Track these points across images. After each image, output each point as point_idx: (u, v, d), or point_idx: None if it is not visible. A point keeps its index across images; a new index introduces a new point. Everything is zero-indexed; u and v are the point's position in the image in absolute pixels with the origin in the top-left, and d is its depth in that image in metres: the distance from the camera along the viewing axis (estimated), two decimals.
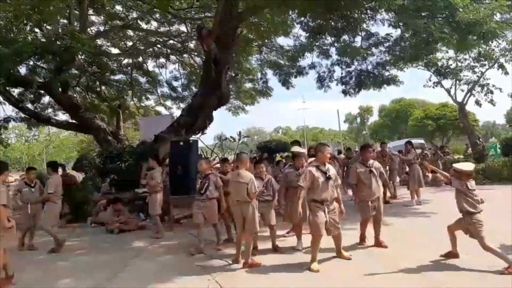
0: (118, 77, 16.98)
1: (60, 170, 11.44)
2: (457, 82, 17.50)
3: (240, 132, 13.41)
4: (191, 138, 10.27)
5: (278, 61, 15.31)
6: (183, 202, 8.61)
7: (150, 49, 16.23)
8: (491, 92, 16.90)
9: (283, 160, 11.14)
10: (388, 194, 10.50)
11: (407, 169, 11.00)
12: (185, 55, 16.77)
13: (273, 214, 5.97)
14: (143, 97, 18.60)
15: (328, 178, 5.02)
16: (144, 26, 14.66)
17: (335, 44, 12.94)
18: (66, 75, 11.57)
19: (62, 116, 16.19)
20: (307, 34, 12.72)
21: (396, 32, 12.19)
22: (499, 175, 12.97)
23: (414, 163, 10.02)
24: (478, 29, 8.91)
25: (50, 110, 16.43)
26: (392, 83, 13.00)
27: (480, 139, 17.75)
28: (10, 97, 12.62)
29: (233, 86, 16.10)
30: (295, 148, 6.96)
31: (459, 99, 17.93)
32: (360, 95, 13.82)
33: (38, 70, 12.55)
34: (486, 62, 16.01)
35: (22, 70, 12.13)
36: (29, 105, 13.97)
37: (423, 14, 9.70)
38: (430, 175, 11.31)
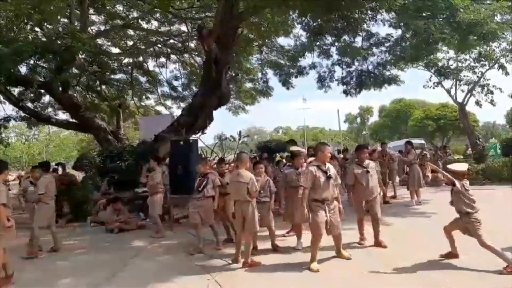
0: (118, 76, 17.02)
1: (60, 169, 11.55)
2: (458, 82, 17.48)
3: (240, 131, 13.42)
4: (191, 138, 10.26)
5: (278, 61, 15.32)
6: (183, 202, 8.60)
7: (151, 49, 16.24)
8: (492, 93, 16.87)
9: (283, 160, 11.14)
10: (389, 194, 10.53)
11: (407, 169, 10.99)
12: (185, 55, 16.76)
13: (271, 216, 5.95)
14: (144, 97, 18.62)
15: (329, 178, 5.03)
16: (144, 25, 14.67)
17: (336, 44, 12.95)
18: (67, 74, 11.57)
19: (62, 116, 16.24)
20: (308, 34, 12.73)
21: (396, 33, 12.22)
22: (499, 176, 12.97)
23: (414, 164, 10.03)
24: (478, 30, 8.91)
25: (50, 109, 16.50)
26: (393, 83, 13.01)
27: (480, 140, 17.73)
28: (10, 96, 12.63)
29: (234, 85, 16.11)
30: (295, 148, 6.95)
31: (460, 99, 17.93)
32: (360, 95, 13.83)
33: (39, 70, 12.58)
34: (486, 63, 15.99)
35: (23, 69, 12.18)
36: (29, 104, 14.00)
37: (423, 14, 9.70)
38: (430, 175, 11.32)
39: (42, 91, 13.38)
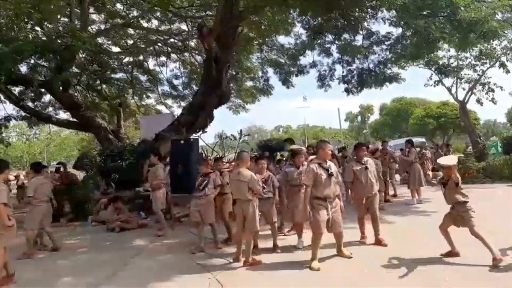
0: (118, 75, 17.06)
1: (61, 168, 11.57)
2: (458, 80, 17.49)
3: (241, 130, 13.34)
4: (191, 137, 10.26)
5: (278, 59, 15.29)
6: (183, 201, 8.60)
7: (151, 48, 16.25)
8: (492, 91, 16.89)
9: (284, 158, 11.13)
10: (390, 192, 10.52)
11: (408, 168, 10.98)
12: (185, 54, 16.76)
13: (274, 211, 5.99)
14: (144, 96, 18.64)
15: (330, 175, 5.03)
16: (144, 24, 14.70)
17: (336, 43, 12.91)
18: (67, 73, 11.58)
19: (63, 115, 16.28)
20: (308, 33, 12.70)
21: (397, 31, 12.18)
22: (500, 174, 12.94)
23: (414, 162, 10.02)
24: (479, 28, 8.88)
25: (50, 108, 16.52)
26: (394, 81, 12.97)
27: (481, 138, 17.73)
28: (11, 96, 12.62)
29: (234, 84, 16.11)
30: (295, 146, 6.95)
31: (460, 97, 17.94)
32: (361, 93, 13.80)
33: (39, 69, 12.57)
34: (487, 61, 15.98)
35: (23, 68, 12.17)
36: (30, 104, 14.01)
37: (424, 13, 9.67)
38: (430, 173, 11.31)
39: (43, 90, 13.39)
